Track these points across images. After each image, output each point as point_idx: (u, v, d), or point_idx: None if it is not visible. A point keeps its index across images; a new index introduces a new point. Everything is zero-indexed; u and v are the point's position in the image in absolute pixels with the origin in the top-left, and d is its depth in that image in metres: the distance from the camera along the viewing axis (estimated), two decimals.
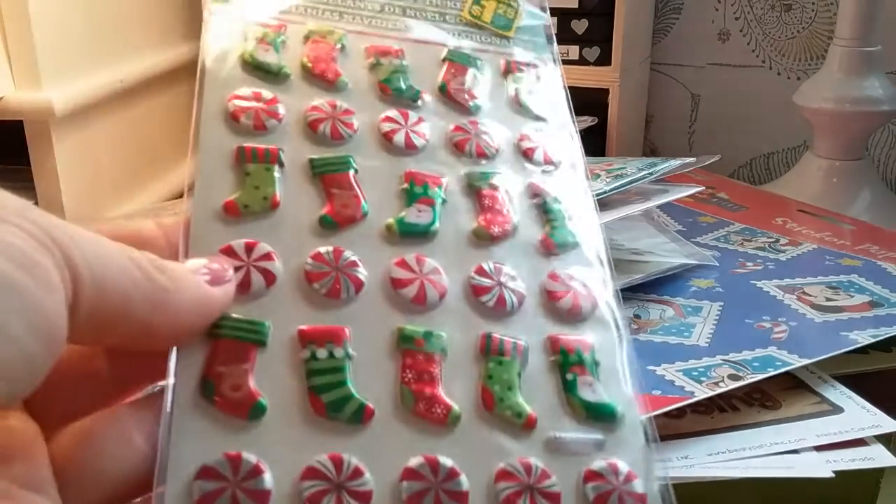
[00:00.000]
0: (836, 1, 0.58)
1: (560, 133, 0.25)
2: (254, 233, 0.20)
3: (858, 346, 0.33)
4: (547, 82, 0.26)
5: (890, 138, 0.63)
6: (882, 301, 0.38)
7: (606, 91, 0.55)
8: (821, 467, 0.28)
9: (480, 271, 0.21)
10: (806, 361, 0.32)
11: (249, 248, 0.20)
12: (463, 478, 0.18)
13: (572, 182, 0.24)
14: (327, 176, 0.22)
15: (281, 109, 0.22)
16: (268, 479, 0.17)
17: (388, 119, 0.23)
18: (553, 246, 0.22)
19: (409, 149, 0.23)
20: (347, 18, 0.25)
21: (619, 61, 0.54)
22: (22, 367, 0.14)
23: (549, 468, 0.18)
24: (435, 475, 0.18)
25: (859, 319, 0.36)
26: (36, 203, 0.38)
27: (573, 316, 0.21)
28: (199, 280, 0.18)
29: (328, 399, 0.18)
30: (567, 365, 0.20)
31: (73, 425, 0.17)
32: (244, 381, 0.18)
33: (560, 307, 0.21)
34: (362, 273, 0.20)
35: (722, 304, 0.39)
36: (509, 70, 0.26)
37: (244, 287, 0.19)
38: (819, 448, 0.29)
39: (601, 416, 0.19)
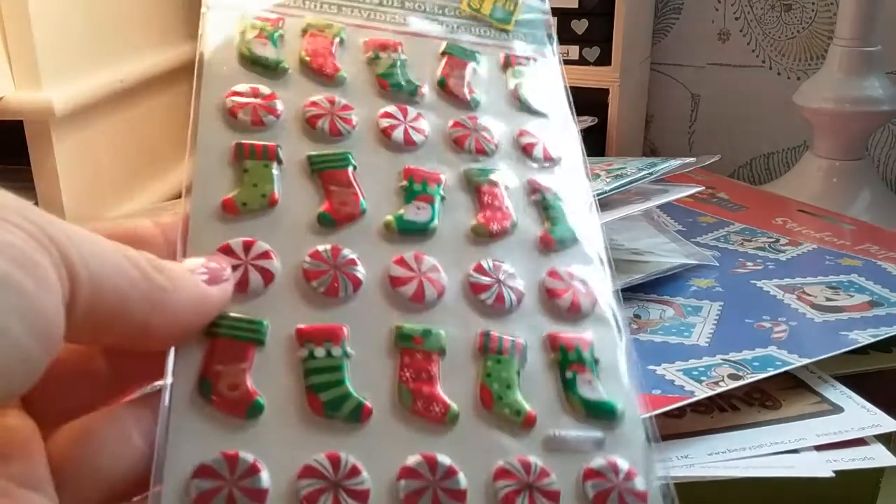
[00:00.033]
0: (836, 1, 0.58)
1: (560, 128, 0.25)
2: (252, 231, 0.20)
3: (858, 345, 0.33)
4: (547, 76, 0.26)
5: (890, 138, 0.63)
6: (882, 301, 0.38)
7: (606, 91, 0.55)
8: (821, 467, 0.28)
9: (479, 269, 0.21)
10: (806, 361, 0.32)
11: (247, 247, 0.20)
12: (461, 476, 0.18)
13: (572, 178, 0.24)
14: (326, 173, 0.22)
15: (279, 105, 0.22)
16: (265, 477, 0.17)
17: (387, 115, 0.23)
18: (552, 243, 0.22)
19: (408, 145, 0.23)
20: (346, 11, 0.25)
21: (619, 61, 0.54)
22: (18, 365, 0.14)
23: (549, 466, 0.18)
24: (433, 473, 0.18)
25: (859, 319, 0.36)
26: (36, 203, 0.38)
27: (573, 313, 0.21)
28: (197, 279, 0.18)
29: (326, 398, 0.18)
30: (566, 363, 0.20)
31: (70, 424, 0.17)
32: (242, 380, 0.18)
33: (559, 305, 0.21)
34: (361, 271, 0.20)
35: (722, 303, 0.39)
36: (508, 64, 0.26)
37: (242, 286, 0.19)
38: (819, 448, 0.29)
39: (601, 414, 0.19)
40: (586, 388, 0.19)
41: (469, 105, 0.24)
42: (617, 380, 0.20)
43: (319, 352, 0.19)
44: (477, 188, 0.22)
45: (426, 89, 0.24)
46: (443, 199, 0.22)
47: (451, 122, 0.24)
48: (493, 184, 0.23)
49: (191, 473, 0.17)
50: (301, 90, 0.23)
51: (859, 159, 0.55)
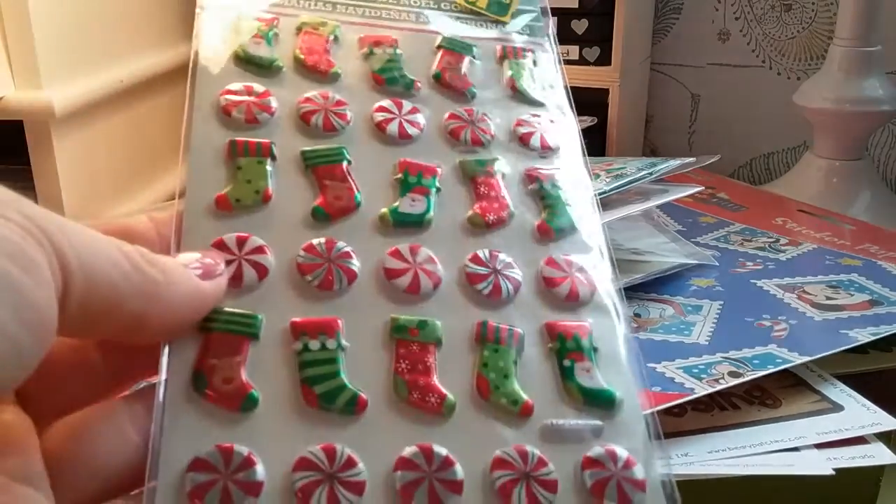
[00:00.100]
0: (836, 1, 0.58)
1: (557, 118, 0.25)
2: (246, 226, 0.20)
3: (858, 343, 0.33)
4: (544, 67, 0.26)
5: (890, 138, 0.63)
6: (882, 300, 0.38)
7: (606, 91, 0.55)
8: (821, 465, 0.28)
9: (475, 259, 0.21)
10: (806, 359, 0.32)
11: (241, 242, 0.20)
12: (458, 467, 0.18)
13: (570, 167, 0.24)
14: (320, 168, 0.22)
15: (273, 103, 0.22)
16: (260, 470, 0.17)
17: (382, 109, 0.23)
18: (550, 231, 0.22)
19: (403, 138, 0.23)
20: (340, 9, 0.25)
21: (619, 61, 0.54)
22: (12, 359, 0.14)
23: (546, 456, 0.18)
24: (429, 464, 0.17)
25: (859, 318, 0.36)
26: (36, 203, 0.38)
27: (571, 301, 0.21)
28: (191, 273, 0.18)
29: (321, 390, 0.18)
30: (564, 351, 0.20)
31: (65, 419, 0.17)
32: (236, 374, 0.18)
33: (557, 293, 0.21)
34: (355, 264, 0.20)
35: (722, 302, 0.39)
36: (505, 55, 0.25)
37: (236, 280, 0.19)
38: (819, 446, 0.29)
39: (599, 402, 0.19)
40: (584, 377, 0.19)
41: (465, 97, 0.24)
42: (616, 368, 0.20)
43: (314, 344, 0.19)
44: (473, 179, 0.22)
45: (422, 83, 0.24)
46: (438, 190, 0.22)
47: (446, 115, 0.24)
48: (490, 174, 0.23)
49: (186, 467, 0.17)
50: (295, 87, 0.23)
51: (859, 159, 0.55)
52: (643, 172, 0.42)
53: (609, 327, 0.20)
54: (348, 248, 0.20)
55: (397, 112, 0.23)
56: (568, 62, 0.55)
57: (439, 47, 0.25)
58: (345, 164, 0.22)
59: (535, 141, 0.24)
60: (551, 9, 0.28)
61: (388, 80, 0.24)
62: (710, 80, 0.66)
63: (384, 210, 0.21)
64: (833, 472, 0.27)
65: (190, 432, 0.17)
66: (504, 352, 0.19)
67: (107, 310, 0.16)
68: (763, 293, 0.40)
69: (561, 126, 0.24)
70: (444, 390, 0.19)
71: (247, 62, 0.23)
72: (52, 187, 0.43)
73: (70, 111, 0.43)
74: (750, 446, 0.29)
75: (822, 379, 0.33)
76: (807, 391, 0.32)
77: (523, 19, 0.26)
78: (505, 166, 0.23)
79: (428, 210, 0.21)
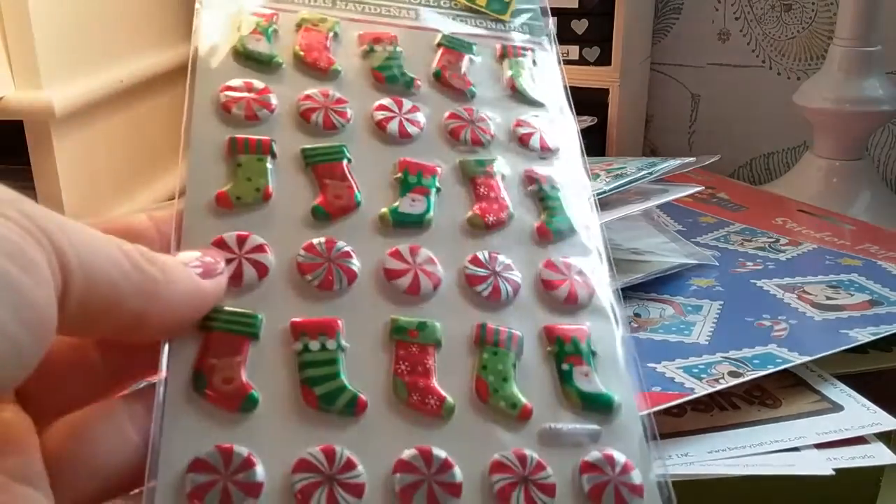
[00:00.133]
0: (836, 1, 0.58)
1: (557, 118, 0.25)
2: (246, 225, 0.20)
3: (858, 343, 0.33)
4: (544, 66, 0.26)
5: (890, 138, 0.62)
6: (882, 300, 0.38)
7: (606, 91, 0.55)
8: (821, 465, 0.28)
9: (475, 261, 0.21)
10: (806, 359, 0.32)
11: (241, 241, 0.20)
12: (456, 470, 0.18)
13: (569, 169, 0.24)
14: (320, 166, 0.22)
15: (273, 99, 0.22)
16: (259, 471, 0.17)
17: (382, 107, 0.23)
18: (549, 234, 0.22)
19: (403, 137, 0.23)
20: (340, 5, 0.25)
21: (619, 61, 0.54)
22: (11, 358, 0.14)
23: (544, 459, 0.18)
24: (428, 467, 0.17)
25: (859, 318, 0.36)
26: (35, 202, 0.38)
27: (570, 304, 0.21)
28: (191, 272, 0.18)
29: (321, 391, 0.18)
30: (563, 355, 0.20)
31: (65, 418, 0.17)
32: (236, 374, 0.18)
33: (556, 296, 0.21)
34: (355, 264, 0.20)
35: (722, 302, 0.39)
36: (505, 54, 0.25)
37: (236, 279, 0.19)
38: (819, 446, 0.29)
39: (597, 406, 0.19)
40: (583, 381, 0.19)
41: (465, 96, 0.24)
42: (614, 372, 0.20)
43: (314, 345, 0.19)
44: (473, 179, 0.22)
45: (422, 82, 0.24)
46: (438, 190, 0.22)
47: (446, 114, 0.24)
48: (490, 175, 0.22)
49: (185, 467, 0.17)
50: (295, 84, 0.23)
51: (859, 159, 0.55)
52: (643, 172, 0.42)
53: (607, 331, 0.20)
54: (348, 248, 0.20)
55: (397, 111, 0.23)
56: (568, 62, 0.55)
57: (439, 45, 0.25)
58: (345, 162, 0.22)
59: (534, 142, 0.24)
60: (551, 9, 0.28)
61: (388, 77, 0.24)
62: (710, 80, 0.66)
63: (384, 210, 0.21)
64: (833, 473, 0.27)
65: (190, 432, 0.17)
66: (503, 354, 0.19)
67: (106, 308, 0.16)
68: (763, 293, 0.39)
69: (560, 127, 0.24)
70: (443, 393, 0.19)
71: (246, 58, 0.23)
72: (52, 187, 0.43)
73: (70, 111, 0.43)
74: (750, 446, 0.29)
75: (822, 379, 0.33)
76: (807, 391, 0.32)
77: (523, 18, 0.26)
78: (504, 167, 0.23)
79: (428, 210, 0.21)
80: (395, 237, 0.21)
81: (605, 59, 0.54)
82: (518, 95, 0.25)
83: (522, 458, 0.18)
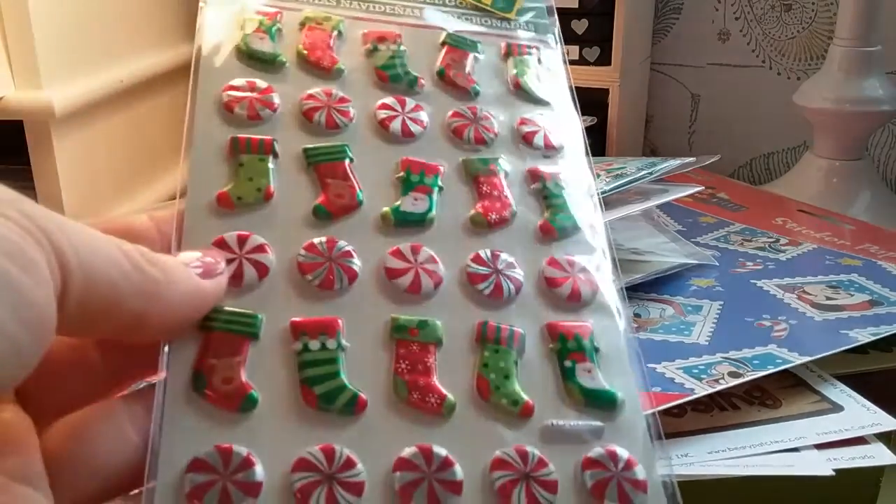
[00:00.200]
0: (836, 1, 0.58)
1: (562, 116, 0.25)
2: (247, 225, 0.20)
3: (858, 343, 0.33)
4: (549, 64, 0.26)
5: (890, 138, 0.62)
6: (882, 300, 0.38)
7: (606, 91, 0.55)
8: (821, 466, 0.28)
9: (477, 259, 0.21)
10: (806, 359, 0.32)
11: (242, 241, 0.20)
12: (457, 467, 0.18)
13: (573, 167, 0.24)
14: (322, 165, 0.22)
15: (276, 99, 0.22)
16: (259, 471, 0.17)
17: (385, 106, 0.23)
18: (552, 231, 0.22)
19: (406, 136, 0.23)
20: (344, 4, 0.25)
21: (619, 61, 0.54)
22: (11, 358, 0.14)
23: (546, 456, 0.18)
24: (428, 465, 0.17)
25: (859, 318, 0.36)
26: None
27: (573, 302, 0.21)
28: (191, 272, 0.18)
29: (320, 391, 0.18)
30: (566, 352, 0.20)
31: (65, 418, 0.17)
32: (236, 374, 0.18)
33: (559, 293, 0.21)
34: (356, 263, 0.20)
35: (722, 302, 0.38)
36: (510, 53, 0.25)
37: (236, 279, 0.19)
38: (819, 446, 0.29)
39: (600, 402, 0.19)
40: (585, 377, 0.19)
41: (469, 95, 0.24)
42: (618, 368, 0.20)
43: (314, 344, 0.19)
44: (476, 178, 0.22)
45: (425, 80, 0.24)
46: (441, 189, 0.22)
47: (450, 113, 0.24)
48: (493, 173, 0.22)
49: (185, 467, 0.17)
50: (298, 83, 0.23)
51: (859, 159, 0.55)
52: (643, 172, 0.42)
53: (611, 328, 0.20)
54: (349, 248, 0.20)
55: (400, 110, 0.23)
56: (568, 62, 0.54)
57: (443, 43, 0.25)
58: (347, 162, 0.22)
59: (538, 140, 0.24)
60: None
61: (392, 76, 0.24)
62: (710, 80, 0.66)
63: (386, 209, 0.21)
64: (833, 473, 0.27)
65: (189, 432, 0.17)
66: (505, 352, 0.19)
67: (106, 309, 0.16)
68: (763, 293, 0.39)
69: (564, 125, 0.24)
70: (444, 391, 0.19)
71: (249, 57, 0.23)
72: (52, 187, 0.43)
73: (70, 111, 0.43)
74: (750, 447, 0.29)
75: (822, 379, 0.33)
76: (807, 391, 0.32)
77: (528, 15, 0.26)
78: (508, 165, 0.23)
79: (430, 209, 0.21)
80: (396, 236, 0.21)
81: (605, 59, 0.54)
82: (522, 94, 0.25)
83: (524, 455, 0.18)
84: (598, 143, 0.56)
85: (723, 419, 0.31)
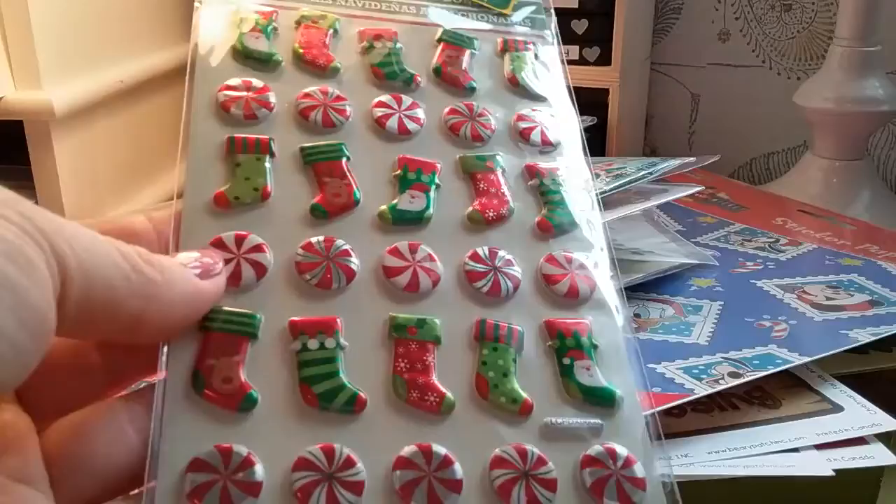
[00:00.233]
0: (836, 1, 0.58)
1: (559, 112, 0.24)
2: (245, 224, 0.20)
3: (858, 344, 0.33)
4: (545, 60, 0.25)
5: (890, 138, 0.62)
6: (882, 300, 0.38)
7: (606, 91, 0.55)
8: (821, 466, 0.28)
9: (475, 257, 0.21)
10: (806, 359, 0.32)
11: (240, 240, 0.20)
12: (457, 466, 0.18)
13: (570, 163, 0.23)
14: (319, 164, 0.21)
15: (272, 98, 0.22)
16: (259, 470, 0.17)
17: (381, 104, 0.23)
18: (550, 228, 0.22)
19: (403, 134, 0.23)
20: (340, 2, 0.25)
21: (619, 61, 0.54)
22: (10, 358, 0.14)
23: (546, 454, 0.18)
24: (428, 464, 0.17)
25: (859, 318, 0.36)
26: (36, 203, 0.38)
27: (570, 299, 0.21)
28: (190, 273, 0.18)
29: (320, 390, 0.18)
30: (564, 349, 0.20)
31: (65, 418, 0.17)
32: (235, 374, 0.18)
33: (557, 290, 0.21)
34: (354, 262, 0.20)
35: (722, 303, 0.38)
36: (506, 48, 0.25)
37: (235, 279, 0.19)
38: (819, 447, 0.29)
39: (599, 400, 0.19)
40: (584, 375, 0.19)
41: (465, 92, 0.24)
42: (616, 366, 0.20)
43: (313, 344, 0.19)
44: (473, 175, 0.22)
45: (422, 78, 0.24)
46: (438, 187, 0.22)
47: (446, 110, 0.24)
48: (490, 170, 0.22)
49: (185, 467, 0.17)
50: (294, 82, 0.23)
51: (859, 159, 0.55)
52: (643, 172, 0.42)
53: (609, 325, 0.20)
54: (347, 246, 0.20)
55: (397, 107, 0.23)
56: (568, 62, 0.54)
57: (440, 40, 0.25)
58: (344, 160, 0.22)
59: (535, 136, 0.24)
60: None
61: (388, 74, 0.24)
62: (710, 80, 0.66)
63: (383, 207, 0.21)
64: (833, 473, 0.27)
65: (189, 432, 0.17)
66: (503, 350, 0.19)
67: (105, 310, 0.16)
68: (763, 293, 0.39)
69: (562, 121, 0.24)
70: (443, 389, 0.19)
71: (245, 56, 0.23)
72: (52, 187, 0.43)
73: (70, 111, 0.43)
74: (750, 447, 0.29)
75: (822, 380, 0.33)
76: (807, 392, 0.32)
77: (525, 11, 0.26)
78: (505, 161, 0.23)
79: (427, 207, 0.21)
80: (394, 234, 0.21)
81: (605, 59, 0.54)
82: (519, 90, 0.25)
83: (523, 453, 0.18)
84: (598, 142, 0.56)
85: (723, 419, 0.31)
